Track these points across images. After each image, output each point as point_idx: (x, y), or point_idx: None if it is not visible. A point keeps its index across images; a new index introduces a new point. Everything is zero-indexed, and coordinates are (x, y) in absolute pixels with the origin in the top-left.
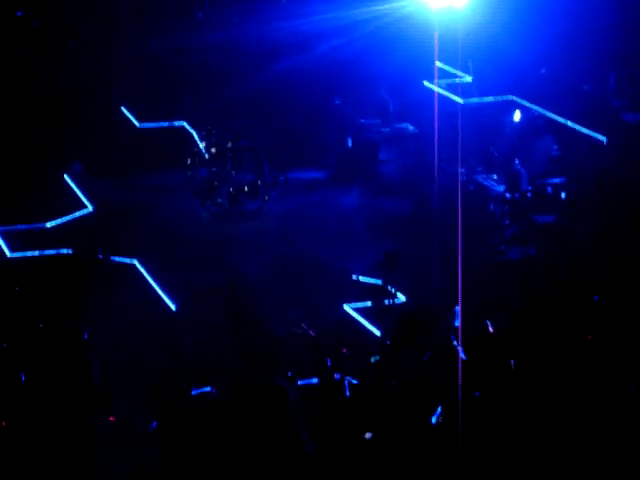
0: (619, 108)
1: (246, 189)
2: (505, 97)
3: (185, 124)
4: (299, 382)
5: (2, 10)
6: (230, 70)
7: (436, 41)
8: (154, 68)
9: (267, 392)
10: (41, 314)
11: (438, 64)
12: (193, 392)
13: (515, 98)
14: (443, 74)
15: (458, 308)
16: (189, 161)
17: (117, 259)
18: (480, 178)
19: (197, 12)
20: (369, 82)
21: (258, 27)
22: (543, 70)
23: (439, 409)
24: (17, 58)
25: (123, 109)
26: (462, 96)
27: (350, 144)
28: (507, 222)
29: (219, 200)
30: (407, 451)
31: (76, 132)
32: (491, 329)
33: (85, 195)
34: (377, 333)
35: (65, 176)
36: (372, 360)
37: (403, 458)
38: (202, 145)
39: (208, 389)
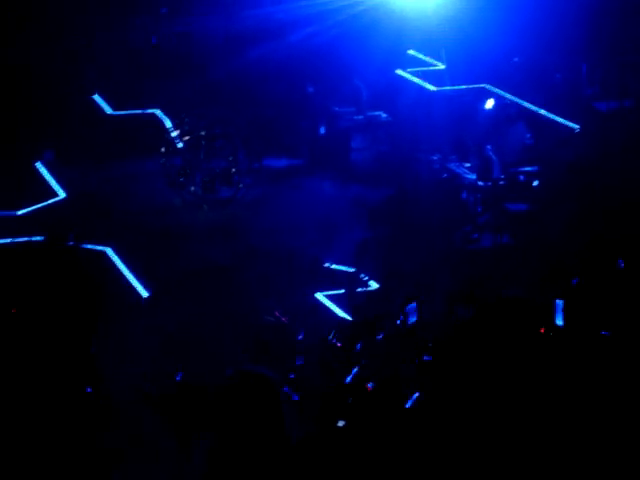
0: (591, 96)
1: (220, 177)
2: (478, 85)
3: (158, 111)
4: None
5: None
6: (203, 58)
7: (410, 29)
8: (126, 55)
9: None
10: (14, 300)
11: (411, 52)
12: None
13: (488, 86)
14: (416, 62)
15: (413, 305)
16: (163, 149)
17: (89, 247)
18: (453, 166)
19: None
20: (342, 70)
21: (231, 15)
22: (516, 58)
23: (415, 395)
24: None
25: (96, 96)
26: (435, 84)
27: (323, 132)
28: (480, 210)
29: (193, 188)
30: (384, 436)
31: (48, 119)
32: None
33: (57, 182)
34: (349, 319)
35: (37, 164)
36: (330, 337)
37: (380, 444)
38: (175, 133)
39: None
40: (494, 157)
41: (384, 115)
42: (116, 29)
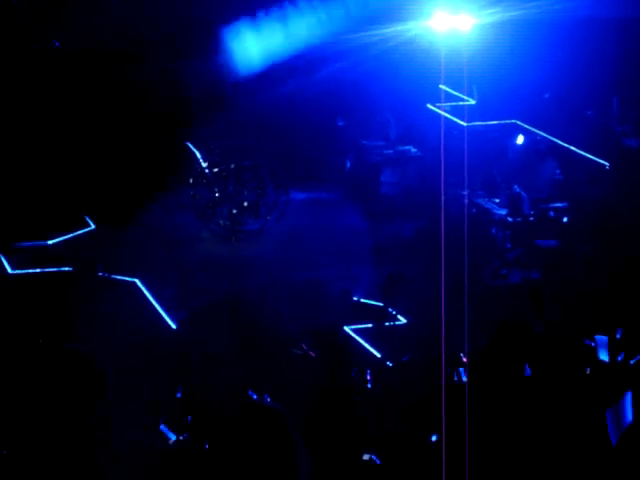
0: (622, 133)
1: (248, 209)
2: (508, 121)
3: (188, 144)
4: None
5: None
6: (234, 91)
7: (441, 65)
8: (159, 88)
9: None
10: (40, 331)
11: (442, 87)
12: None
13: (518, 122)
14: (447, 97)
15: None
16: (191, 180)
17: (118, 277)
18: (482, 201)
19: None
20: (373, 104)
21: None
22: (547, 94)
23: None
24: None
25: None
26: (465, 119)
27: (349, 165)
28: (509, 246)
29: (221, 220)
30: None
31: (80, 151)
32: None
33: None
34: (377, 355)
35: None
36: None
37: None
38: (205, 164)
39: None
40: (524, 193)
41: (414, 150)
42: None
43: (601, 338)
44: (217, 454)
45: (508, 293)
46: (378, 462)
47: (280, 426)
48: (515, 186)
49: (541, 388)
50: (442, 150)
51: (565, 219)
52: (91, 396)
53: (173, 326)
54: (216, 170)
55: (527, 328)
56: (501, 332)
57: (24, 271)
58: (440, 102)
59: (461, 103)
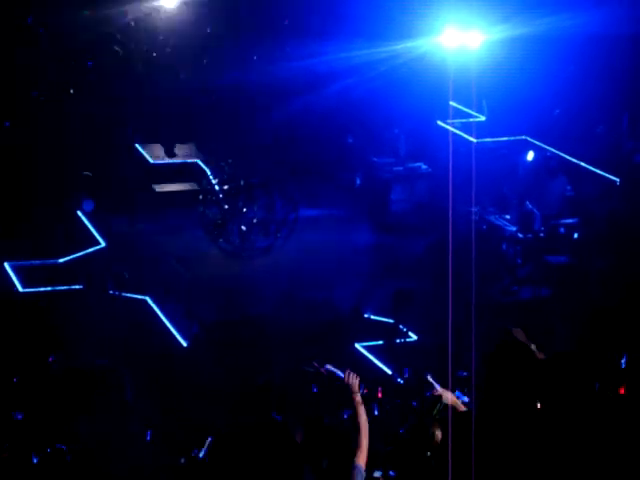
0: (632, 150)
1: (257, 226)
2: (519, 137)
3: (199, 161)
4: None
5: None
6: (243, 108)
7: (450, 81)
8: (168, 106)
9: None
10: (51, 349)
11: (452, 103)
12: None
13: (529, 138)
14: (457, 113)
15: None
16: (201, 197)
17: (129, 295)
18: (492, 218)
19: (211, 50)
20: (382, 121)
21: (272, 66)
22: (557, 111)
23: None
24: (34, 95)
25: (137, 146)
26: (475, 136)
27: (359, 182)
28: (519, 262)
29: (231, 237)
30: None
31: (90, 168)
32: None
33: (97, 231)
34: (388, 372)
35: (78, 212)
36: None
37: None
38: (214, 182)
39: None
40: (535, 210)
41: (424, 166)
42: (160, 80)
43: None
44: (227, 469)
45: (519, 309)
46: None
47: (289, 443)
48: (527, 202)
49: (545, 410)
50: (452, 167)
51: (576, 235)
52: None
53: (184, 343)
54: (225, 187)
55: (527, 349)
56: (499, 353)
57: (35, 289)
58: (450, 118)
59: (471, 119)
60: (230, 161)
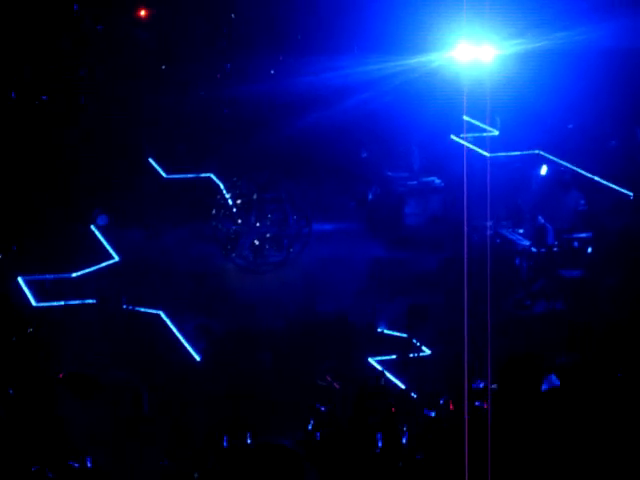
0: None
1: (271, 241)
2: (532, 151)
3: (212, 175)
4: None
5: (35, 60)
6: (258, 122)
7: (464, 95)
8: (182, 120)
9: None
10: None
11: (465, 118)
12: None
13: (542, 152)
14: (470, 128)
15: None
16: (214, 212)
17: (142, 309)
18: (506, 232)
19: (225, 64)
20: (397, 135)
21: (287, 80)
22: (570, 125)
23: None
24: (48, 110)
25: (150, 160)
26: (489, 150)
27: (372, 196)
28: (533, 276)
29: (244, 251)
30: None
31: (104, 184)
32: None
33: (111, 245)
34: (401, 386)
35: (92, 227)
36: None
37: None
38: (228, 196)
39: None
40: (548, 224)
41: (437, 180)
42: (172, 94)
43: None
44: None
45: (532, 323)
46: None
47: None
48: (540, 217)
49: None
50: (465, 181)
51: (589, 249)
52: None
53: (197, 358)
54: (239, 202)
55: (538, 360)
56: (511, 365)
57: (49, 304)
58: (463, 133)
59: (484, 134)
60: (244, 176)
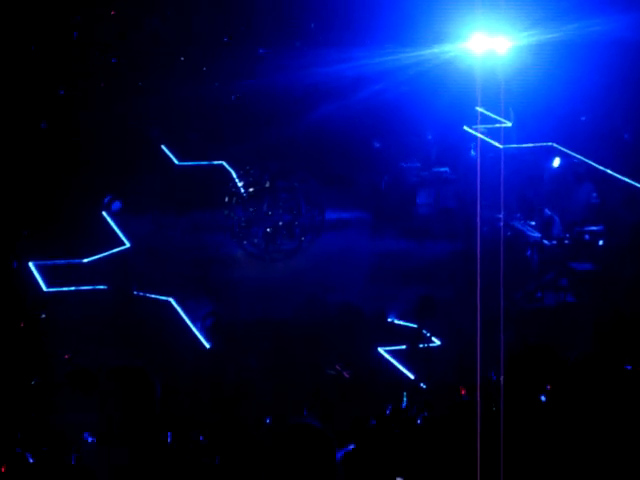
0: None
1: (283, 229)
2: (545, 143)
3: (224, 163)
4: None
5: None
6: (271, 112)
7: (477, 86)
8: (195, 107)
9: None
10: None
11: (478, 109)
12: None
13: (555, 145)
14: (483, 119)
15: None
16: (227, 200)
17: (153, 296)
18: (518, 224)
19: (239, 55)
20: (410, 126)
21: (301, 71)
22: (583, 117)
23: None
24: (60, 96)
25: (163, 147)
26: (502, 142)
27: (384, 186)
28: (544, 268)
29: (255, 240)
30: None
31: (116, 170)
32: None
33: (123, 232)
34: (411, 377)
35: (104, 213)
36: None
37: None
38: (240, 184)
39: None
40: (555, 216)
41: (450, 171)
42: (189, 85)
43: None
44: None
45: (543, 316)
46: None
47: (325, 448)
48: (546, 209)
49: (562, 413)
50: (478, 172)
51: (601, 242)
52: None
53: (207, 345)
54: (251, 190)
55: (552, 352)
56: (525, 355)
57: (59, 289)
58: (477, 124)
59: (497, 125)
60: (256, 164)
